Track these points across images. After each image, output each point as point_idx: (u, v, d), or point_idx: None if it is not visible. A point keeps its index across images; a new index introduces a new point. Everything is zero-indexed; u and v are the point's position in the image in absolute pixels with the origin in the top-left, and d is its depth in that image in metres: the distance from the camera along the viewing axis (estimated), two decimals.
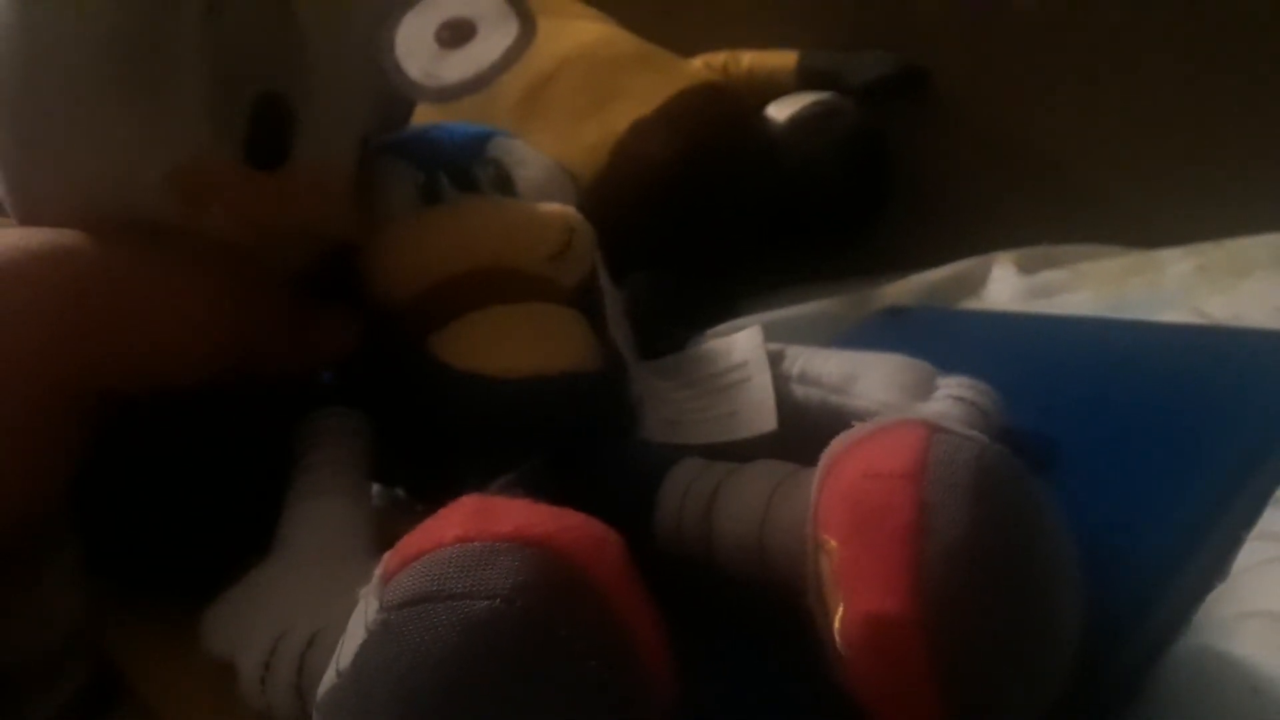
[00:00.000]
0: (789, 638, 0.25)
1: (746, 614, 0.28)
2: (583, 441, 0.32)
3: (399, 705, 0.19)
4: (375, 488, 0.34)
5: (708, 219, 0.66)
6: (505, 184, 0.35)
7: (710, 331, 0.41)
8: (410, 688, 0.19)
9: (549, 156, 0.37)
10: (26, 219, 0.29)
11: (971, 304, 0.65)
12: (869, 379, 0.34)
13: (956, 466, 0.23)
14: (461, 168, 0.35)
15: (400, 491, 0.37)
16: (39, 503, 0.28)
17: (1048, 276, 0.64)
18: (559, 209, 0.34)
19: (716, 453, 0.31)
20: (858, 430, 0.26)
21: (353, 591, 0.26)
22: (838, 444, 0.26)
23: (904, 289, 0.66)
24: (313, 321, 0.33)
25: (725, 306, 0.63)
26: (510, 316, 0.32)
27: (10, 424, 0.26)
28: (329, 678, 0.21)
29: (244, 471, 0.31)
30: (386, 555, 0.22)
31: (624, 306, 0.37)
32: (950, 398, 0.32)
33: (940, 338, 0.54)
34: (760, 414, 0.34)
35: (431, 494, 0.24)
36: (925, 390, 0.33)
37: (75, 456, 0.28)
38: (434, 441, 0.33)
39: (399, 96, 0.35)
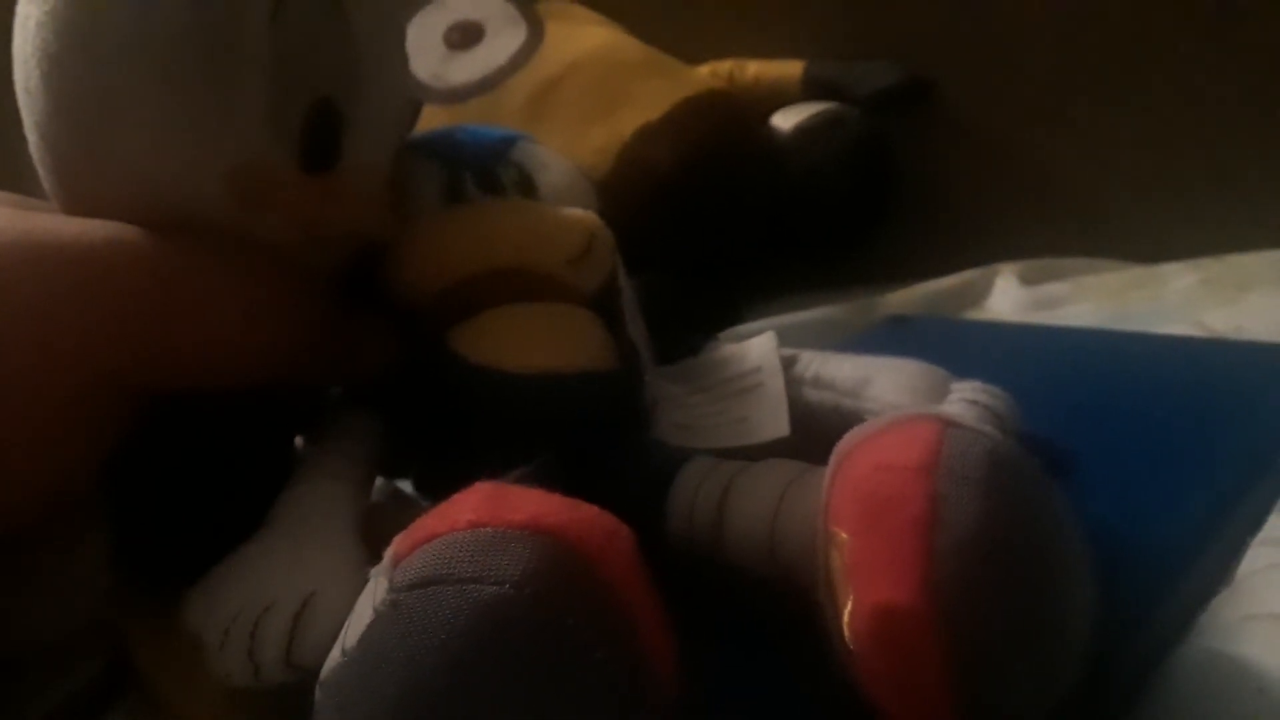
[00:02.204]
0: (798, 634, 0.25)
1: (756, 611, 0.28)
2: (596, 439, 0.32)
3: (405, 685, 0.19)
4: (378, 480, 0.35)
5: (712, 225, 0.67)
6: (528, 187, 0.35)
7: (721, 337, 0.41)
8: (417, 669, 0.19)
9: (571, 162, 0.38)
10: (74, 213, 0.29)
11: (974, 315, 0.65)
12: (882, 383, 0.34)
13: (969, 460, 0.23)
14: (485, 169, 0.35)
15: (404, 485, 0.37)
16: (69, 489, 0.28)
17: (1050, 289, 0.64)
18: (580, 213, 0.34)
19: (729, 456, 0.31)
20: (870, 424, 0.26)
21: (317, 566, 0.26)
22: (850, 438, 0.26)
23: (907, 298, 0.66)
24: (356, 329, 0.33)
25: (729, 313, 0.63)
26: (528, 314, 0.32)
27: (49, 410, 0.26)
28: (334, 656, 0.21)
29: (267, 471, 0.31)
30: (398, 537, 0.22)
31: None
32: (964, 401, 0.31)
33: (943, 347, 0.54)
34: (773, 419, 0.34)
35: (441, 488, 0.24)
36: (939, 394, 0.33)
37: (110, 446, 0.28)
38: (447, 435, 0.33)
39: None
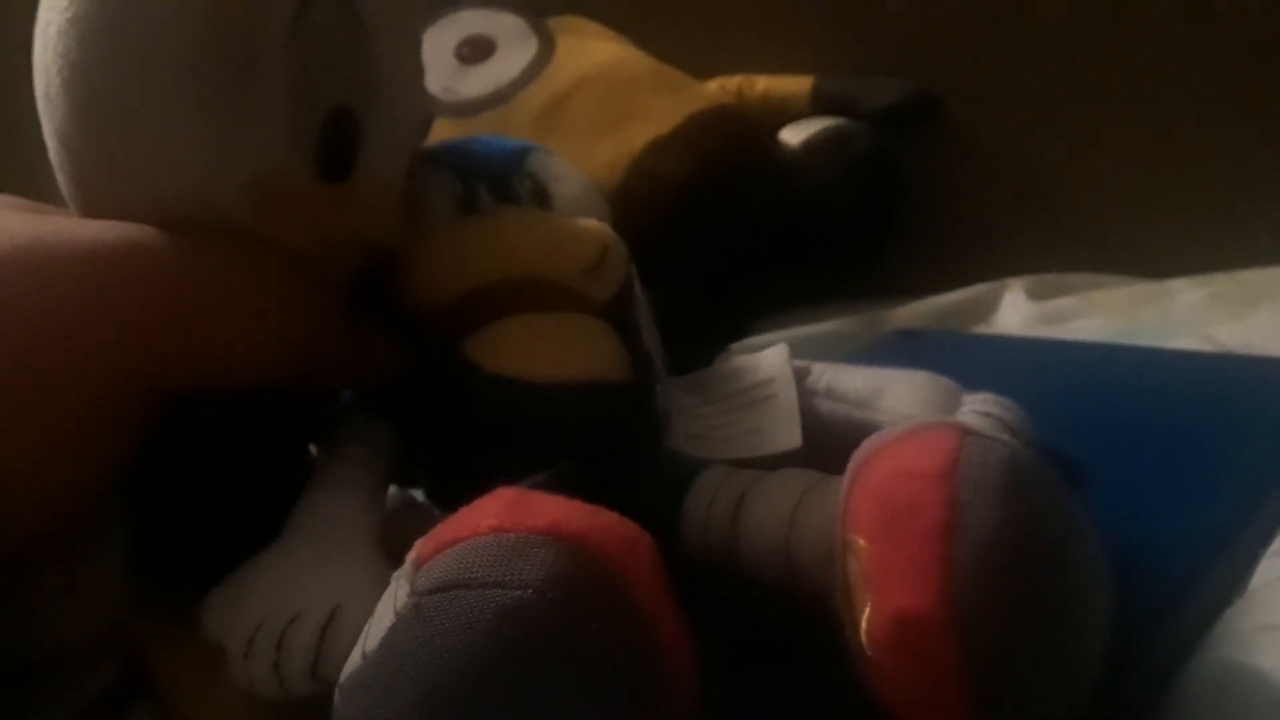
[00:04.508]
0: (814, 641, 0.25)
1: (772, 618, 0.28)
2: (610, 449, 0.32)
3: (425, 689, 0.19)
4: (391, 489, 0.35)
5: (720, 239, 0.67)
6: (542, 198, 0.35)
7: (731, 349, 0.41)
8: (438, 672, 0.19)
9: (584, 173, 0.38)
10: (92, 218, 0.29)
11: (982, 329, 0.65)
12: (894, 394, 0.34)
13: (988, 467, 0.23)
14: (500, 180, 0.35)
15: (417, 493, 0.37)
16: (90, 493, 0.28)
17: (1059, 304, 0.64)
18: (594, 225, 0.34)
19: (742, 467, 0.31)
20: (889, 431, 0.26)
21: (342, 577, 0.26)
22: (868, 445, 0.26)
23: (915, 313, 0.67)
24: (368, 334, 0.33)
25: (737, 326, 0.63)
26: (542, 324, 0.32)
27: (72, 417, 0.26)
28: (354, 660, 0.21)
29: (282, 476, 0.31)
30: (420, 541, 0.22)
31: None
32: (977, 413, 0.32)
33: (951, 361, 0.54)
34: (786, 431, 0.34)
35: (454, 496, 0.24)
36: (951, 406, 0.33)
37: (129, 450, 0.28)
38: (460, 444, 0.33)
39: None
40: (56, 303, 0.26)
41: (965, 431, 0.24)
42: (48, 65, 0.28)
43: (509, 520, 0.21)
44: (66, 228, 0.27)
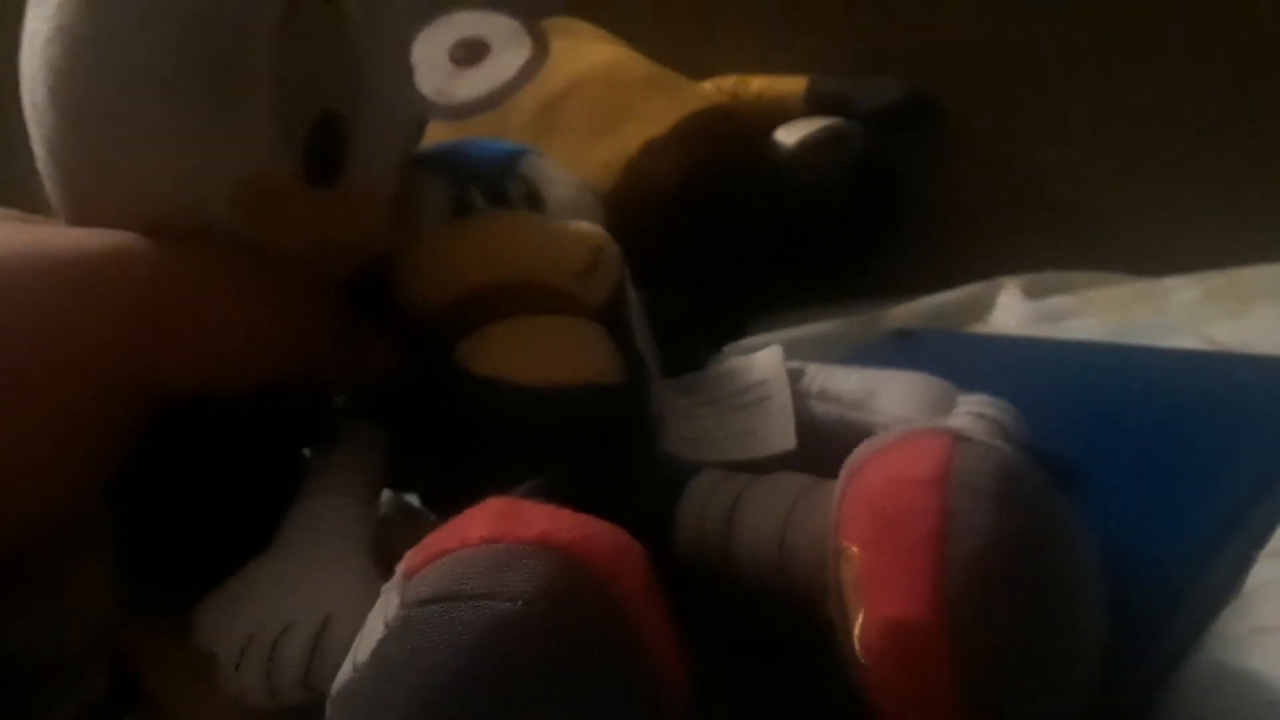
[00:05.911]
0: (808, 648, 0.25)
1: (765, 624, 0.28)
2: (603, 452, 0.32)
3: (416, 701, 0.19)
4: (385, 494, 0.35)
5: (716, 240, 0.67)
6: (535, 201, 0.36)
7: (726, 351, 0.41)
8: (428, 684, 0.19)
9: (577, 176, 0.38)
10: (80, 226, 0.29)
11: (977, 328, 0.65)
12: (888, 396, 0.34)
13: (981, 474, 0.23)
14: (493, 183, 0.35)
15: (411, 499, 0.37)
16: (78, 501, 0.28)
17: (1054, 302, 0.64)
18: (587, 227, 0.34)
19: (736, 469, 0.31)
20: (881, 438, 0.26)
21: (335, 587, 0.26)
22: (861, 451, 0.26)
23: (910, 312, 0.66)
24: (362, 338, 0.33)
25: (733, 327, 0.63)
26: (535, 327, 0.32)
27: (62, 422, 0.26)
28: (345, 671, 0.21)
29: (275, 482, 0.31)
30: (409, 552, 0.22)
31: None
32: (971, 414, 0.31)
33: (947, 360, 0.53)
34: (780, 433, 0.34)
35: (448, 501, 0.24)
36: (945, 407, 0.33)
37: (117, 456, 0.28)
38: (454, 448, 0.33)
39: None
40: (42, 309, 0.26)
41: (957, 438, 0.24)
42: (34, 74, 0.28)
43: (498, 531, 0.21)
44: (52, 235, 0.27)
